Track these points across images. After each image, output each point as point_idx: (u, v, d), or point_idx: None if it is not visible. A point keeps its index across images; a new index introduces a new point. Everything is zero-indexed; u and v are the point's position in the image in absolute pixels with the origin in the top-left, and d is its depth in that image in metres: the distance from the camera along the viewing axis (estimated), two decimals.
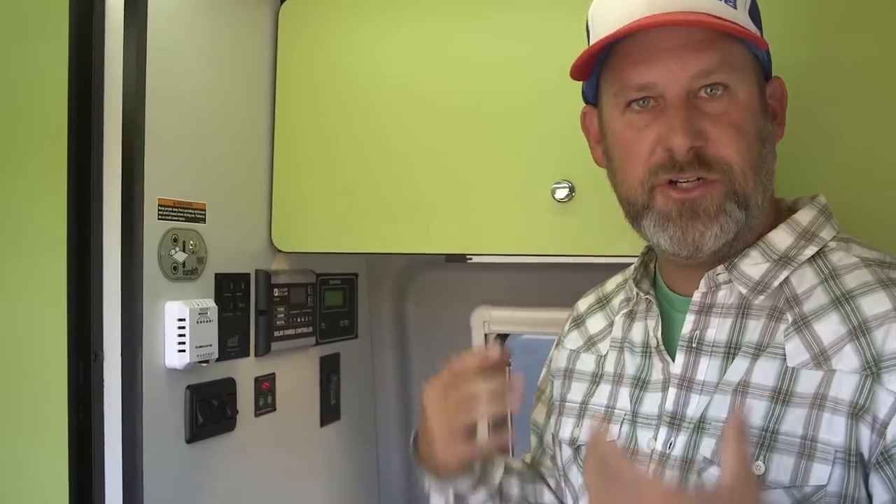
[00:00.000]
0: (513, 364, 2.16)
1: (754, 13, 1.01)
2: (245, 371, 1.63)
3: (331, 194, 1.64)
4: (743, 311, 0.99)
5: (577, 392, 1.18)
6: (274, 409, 1.72)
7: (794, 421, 0.90)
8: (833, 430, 0.87)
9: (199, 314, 1.44)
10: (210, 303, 1.49)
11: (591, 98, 1.10)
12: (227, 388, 1.56)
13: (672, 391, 1.01)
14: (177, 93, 1.47)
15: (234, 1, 1.61)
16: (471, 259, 1.99)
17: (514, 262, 1.98)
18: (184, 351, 1.41)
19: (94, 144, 1.38)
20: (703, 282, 1.00)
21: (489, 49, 1.53)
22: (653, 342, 1.07)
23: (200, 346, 1.44)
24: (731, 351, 0.98)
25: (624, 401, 1.09)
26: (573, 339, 1.26)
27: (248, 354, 1.63)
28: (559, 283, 2.03)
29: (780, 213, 1.03)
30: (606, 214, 1.42)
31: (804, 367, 0.91)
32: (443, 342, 2.19)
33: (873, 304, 0.90)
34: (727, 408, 0.95)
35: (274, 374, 1.72)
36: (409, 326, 2.22)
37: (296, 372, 1.82)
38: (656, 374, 1.05)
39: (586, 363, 1.20)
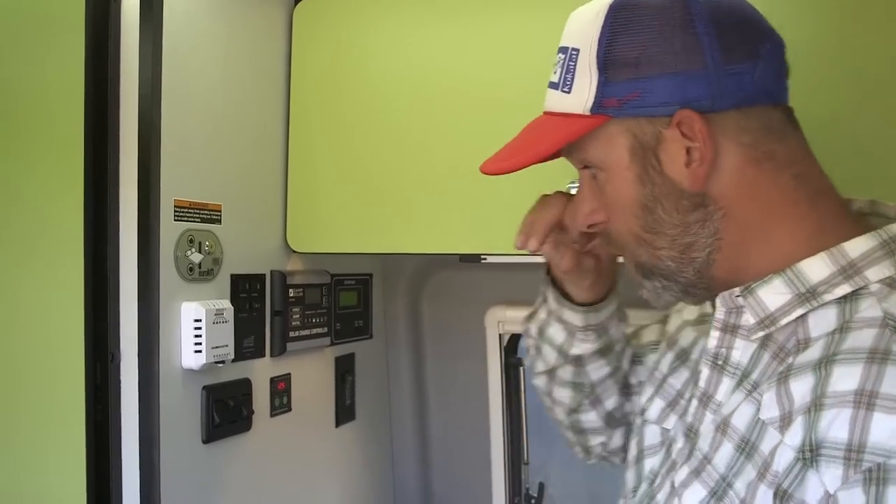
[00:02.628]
0: (526, 364, 2.17)
1: (617, 63, 0.89)
2: (261, 371, 1.63)
3: (345, 195, 1.64)
4: (764, 341, 0.89)
5: (664, 365, 1.13)
6: (289, 410, 1.72)
7: (744, 479, 0.81)
8: (761, 499, 0.77)
9: (216, 315, 1.45)
10: (226, 303, 1.50)
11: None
12: (242, 388, 1.56)
13: (694, 402, 0.97)
14: (192, 94, 1.47)
15: (249, 1, 1.62)
16: (485, 259, 1.99)
17: (529, 261, 1.98)
18: (200, 351, 1.41)
19: (110, 146, 1.39)
20: (719, 301, 0.93)
21: (502, 47, 1.53)
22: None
23: (217, 347, 1.44)
24: (742, 380, 0.90)
25: (687, 390, 1.03)
26: (690, 310, 1.17)
27: (263, 355, 1.64)
28: None
29: (841, 223, 0.88)
30: None
31: (771, 424, 0.80)
32: (457, 342, 2.19)
33: (840, 378, 0.75)
34: (709, 441, 0.90)
35: (289, 374, 1.72)
36: (424, 326, 2.22)
37: (311, 372, 1.82)
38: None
39: (686, 338, 1.13)
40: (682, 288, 0.93)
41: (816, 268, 0.84)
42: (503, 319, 2.09)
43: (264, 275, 1.65)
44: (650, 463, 1.06)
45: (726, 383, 0.91)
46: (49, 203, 1.44)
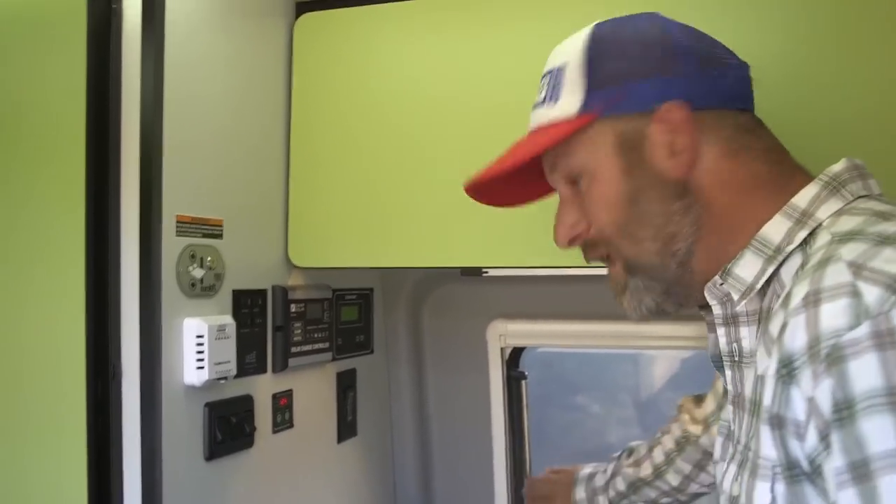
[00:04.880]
0: (529, 377, 2.16)
1: (604, 66, 0.98)
2: (262, 387, 1.62)
3: (347, 209, 1.64)
4: (762, 314, 0.92)
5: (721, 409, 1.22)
6: (291, 426, 1.71)
7: (755, 436, 0.84)
8: (767, 443, 0.80)
9: (218, 331, 1.43)
10: (228, 319, 1.48)
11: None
12: (245, 404, 1.55)
13: (729, 409, 1.01)
14: (194, 107, 1.46)
15: (250, 15, 1.61)
16: (486, 272, 1.99)
17: (531, 274, 1.97)
18: (202, 368, 1.40)
19: (111, 160, 1.38)
20: (709, 295, 0.96)
21: (505, 60, 1.53)
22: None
23: (219, 363, 1.43)
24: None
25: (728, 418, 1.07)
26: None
27: (265, 371, 1.62)
28: (575, 295, 2.03)
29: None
30: None
31: (766, 373, 0.82)
32: (458, 356, 2.18)
33: (797, 294, 0.78)
34: (737, 425, 0.94)
35: (291, 390, 1.71)
36: (425, 341, 2.21)
37: (313, 388, 1.81)
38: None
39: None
40: (664, 288, 0.97)
41: (775, 228, 0.90)
42: (505, 333, 2.09)
43: (266, 290, 1.64)
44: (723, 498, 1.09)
45: (750, 376, 0.92)
46: (50, 217, 1.42)
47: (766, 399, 0.80)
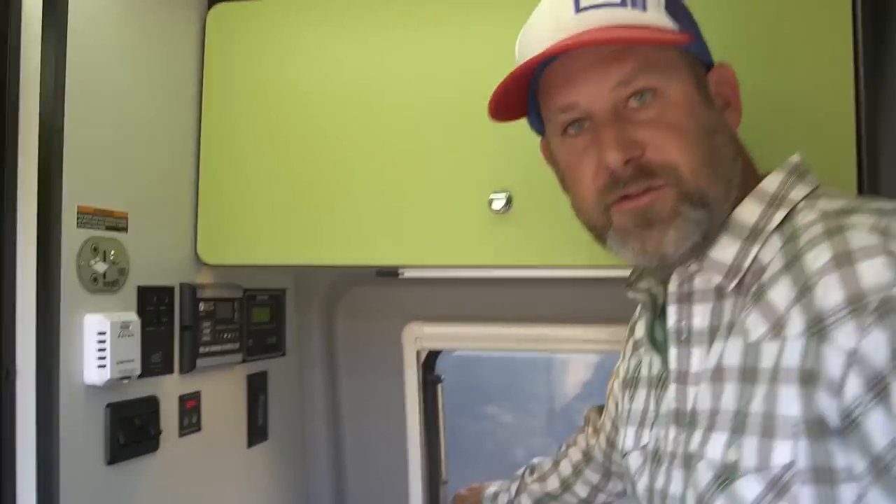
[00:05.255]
0: (445, 381, 2.14)
1: (673, 6, 0.98)
2: (169, 389, 1.55)
3: (259, 205, 1.59)
4: (720, 292, 0.95)
5: (626, 403, 1.18)
6: (199, 429, 1.64)
7: (759, 399, 0.86)
8: (789, 402, 0.82)
9: (121, 328, 1.37)
10: (132, 316, 1.42)
11: (539, 130, 1.11)
12: (149, 406, 1.48)
13: (672, 389, 1.00)
14: (99, 97, 1.40)
15: (160, 5, 1.56)
16: (402, 274, 1.96)
17: (447, 276, 1.95)
18: (104, 366, 1.33)
19: (8, 145, 1.30)
20: (674, 277, 0.99)
21: (423, 58, 1.51)
22: (645, 339, 1.10)
23: (122, 362, 1.36)
24: (713, 336, 0.95)
25: (650, 402, 1.09)
26: (629, 348, 1.26)
27: (171, 371, 1.56)
28: (492, 298, 2.03)
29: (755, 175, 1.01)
30: (544, 225, 1.41)
31: (764, 340, 0.87)
32: (373, 359, 2.15)
33: (815, 259, 0.82)
34: (709, 397, 0.93)
35: (199, 392, 1.65)
36: (339, 343, 2.17)
37: (222, 391, 1.75)
38: (657, 370, 1.08)
39: (630, 369, 1.20)
40: (707, 229, 0.95)
41: (748, 211, 0.94)
42: (421, 336, 2.06)
43: (173, 287, 1.57)
44: (641, 483, 1.08)
45: (697, 353, 0.96)
46: None
47: (789, 359, 0.83)
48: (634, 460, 1.10)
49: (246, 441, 1.85)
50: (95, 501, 1.37)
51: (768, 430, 0.84)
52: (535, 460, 1.70)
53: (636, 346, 1.21)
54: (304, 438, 2.15)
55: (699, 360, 0.96)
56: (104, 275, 1.38)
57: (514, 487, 1.71)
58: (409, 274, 1.92)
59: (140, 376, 1.44)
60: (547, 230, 1.41)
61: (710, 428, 0.92)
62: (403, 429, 2.10)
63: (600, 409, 1.56)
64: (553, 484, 1.63)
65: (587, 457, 1.57)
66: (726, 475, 0.87)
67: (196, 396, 1.64)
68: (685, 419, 0.97)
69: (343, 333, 2.16)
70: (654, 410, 1.07)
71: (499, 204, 1.43)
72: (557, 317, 1.96)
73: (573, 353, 2.20)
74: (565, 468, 1.62)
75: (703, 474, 0.90)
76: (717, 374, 0.92)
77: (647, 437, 1.07)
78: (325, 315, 2.14)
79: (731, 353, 0.91)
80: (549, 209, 1.39)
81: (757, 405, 0.86)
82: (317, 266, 1.63)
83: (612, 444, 1.43)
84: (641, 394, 1.12)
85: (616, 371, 1.33)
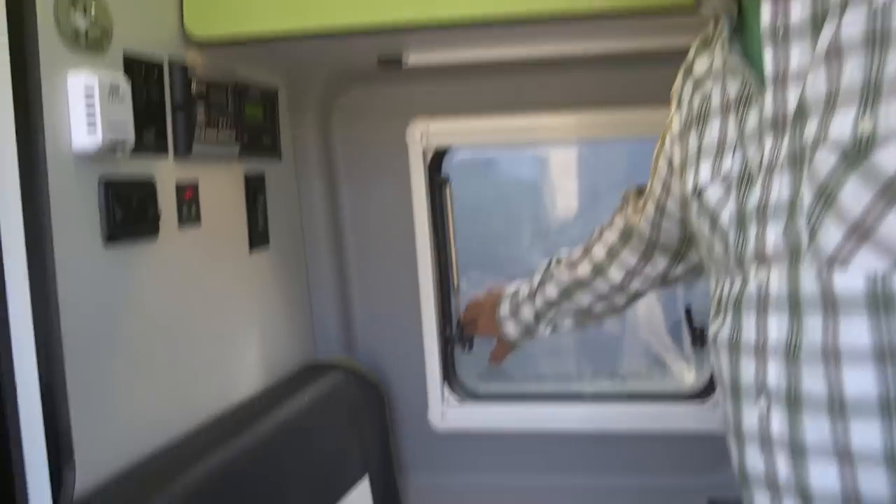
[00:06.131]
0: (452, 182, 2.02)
1: None
2: (165, 174, 1.41)
3: None
4: None
5: (692, 143, 1.08)
6: (199, 223, 1.52)
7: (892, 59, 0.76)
8: None
9: (111, 89, 1.22)
10: (121, 78, 1.26)
11: None
12: (146, 189, 1.35)
13: (769, 95, 0.90)
14: None
15: None
16: (407, 63, 1.80)
17: (456, 64, 1.81)
18: (94, 128, 1.18)
19: None
20: None
21: None
22: (728, 54, 0.98)
23: (113, 125, 1.21)
24: (817, 24, 0.84)
25: (728, 128, 0.99)
26: (688, 90, 1.14)
27: (166, 153, 1.42)
28: (503, 87, 1.88)
29: None
30: None
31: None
32: (375, 164, 2.02)
33: None
34: (824, 81, 0.83)
35: (197, 182, 1.51)
36: (337, 148, 2.03)
37: (220, 186, 1.62)
38: (735, 91, 0.98)
39: (696, 107, 1.09)
40: None
41: None
42: (427, 133, 1.93)
43: (162, 64, 1.41)
44: (727, 212, 0.98)
45: (798, 48, 0.86)
46: None
47: None
48: (714, 193, 1.00)
49: (247, 244, 1.73)
50: (94, 282, 1.25)
51: None
52: (562, 251, 1.60)
53: (698, 84, 1.10)
54: (305, 248, 2.03)
55: (801, 53, 0.86)
56: (86, 33, 1.22)
57: (536, 279, 1.61)
58: (413, 62, 1.76)
59: (134, 151, 1.30)
60: None
61: (830, 110, 0.82)
62: (411, 236, 1.99)
63: (640, 191, 1.45)
64: (584, 270, 1.53)
65: (625, 236, 1.47)
66: (858, 150, 0.78)
67: (194, 187, 1.50)
68: (786, 121, 0.88)
69: (342, 137, 2.02)
70: (735, 133, 0.98)
71: None
72: (575, 103, 1.83)
73: (596, 141, 2.04)
74: (598, 252, 1.52)
75: (825, 160, 0.81)
76: (833, 54, 0.82)
77: (728, 163, 0.98)
78: (322, 118, 1.99)
79: (851, 25, 0.80)
80: None
81: (893, 66, 0.76)
82: (312, 35, 1.45)
83: (662, 209, 1.32)
84: (715, 124, 1.03)
85: (669, 124, 1.22)
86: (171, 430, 1.42)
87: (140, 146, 1.32)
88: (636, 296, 1.56)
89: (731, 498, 1.89)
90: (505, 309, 1.67)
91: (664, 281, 1.50)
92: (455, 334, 2.00)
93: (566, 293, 1.57)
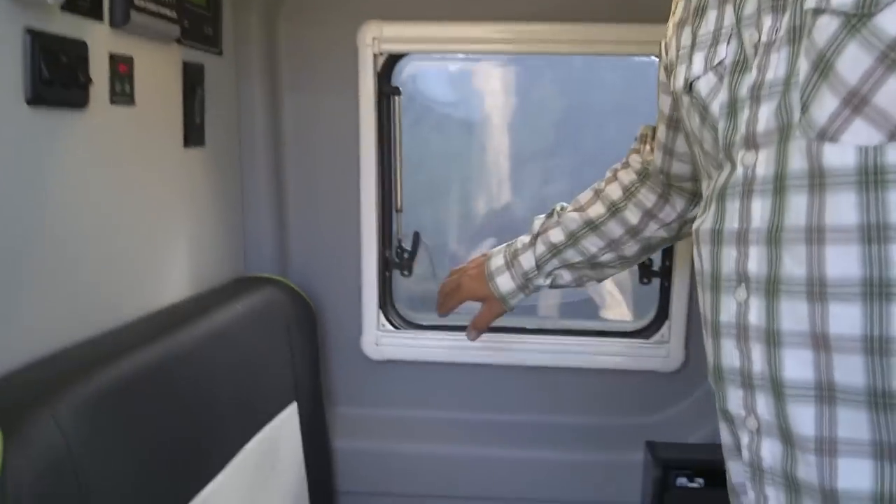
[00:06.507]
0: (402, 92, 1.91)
1: None
2: (98, 41, 1.26)
3: None
4: None
5: (686, 38, 1.05)
6: (133, 103, 1.37)
7: None
8: None
9: None
10: None
11: None
12: (77, 50, 1.20)
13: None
14: None
15: None
16: None
17: None
18: None
19: None
20: None
21: None
22: None
23: None
24: None
25: (725, 16, 0.97)
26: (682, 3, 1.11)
27: (101, 18, 1.27)
28: None
29: None
30: None
31: None
32: (322, 68, 1.89)
33: None
34: None
35: (132, 58, 1.37)
36: (282, 48, 1.90)
37: (157, 68, 1.48)
38: None
39: (693, 4, 1.06)
40: None
41: None
42: (379, 37, 1.82)
43: None
44: (717, 101, 0.95)
45: None
46: None
47: None
48: (706, 83, 0.97)
49: (182, 138, 1.59)
50: (16, 146, 1.10)
51: None
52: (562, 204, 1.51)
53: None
54: (241, 155, 1.89)
55: None
56: None
57: (536, 226, 1.49)
58: None
59: (65, 10, 1.15)
60: None
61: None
62: (356, 148, 1.88)
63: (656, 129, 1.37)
64: (597, 210, 1.44)
65: (643, 175, 1.40)
66: (861, 14, 0.75)
67: (129, 62, 1.36)
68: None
69: (288, 35, 1.88)
70: (732, 20, 0.95)
71: None
72: (547, 14, 1.74)
73: (563, 55, 1.93)
74: (614, 191, 1.43)
75: (826, 27, 0.79)
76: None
77: (723, 50, 0.96)
78: (268, 13, 1.85)
79: None
80: None
81: None
82: None
83: (675, 124, 1.25)
84: (711, 15, 1.00)
85: (666, 31, 1.16)
86: (91, 326, 1.29)
87: (73, 6, 1.17)
88: (647, 248, 1.47)
89: (669, 442, 1.88)
90: (498, 260, 1.52)
91: (680, 229, 1.43)
92: (395, 256, 1.91)
93: (573, 237, 1.45)
